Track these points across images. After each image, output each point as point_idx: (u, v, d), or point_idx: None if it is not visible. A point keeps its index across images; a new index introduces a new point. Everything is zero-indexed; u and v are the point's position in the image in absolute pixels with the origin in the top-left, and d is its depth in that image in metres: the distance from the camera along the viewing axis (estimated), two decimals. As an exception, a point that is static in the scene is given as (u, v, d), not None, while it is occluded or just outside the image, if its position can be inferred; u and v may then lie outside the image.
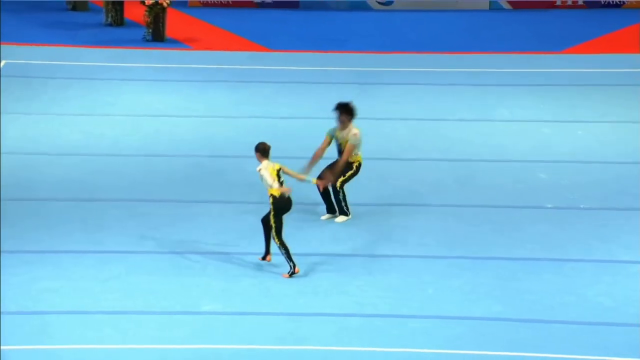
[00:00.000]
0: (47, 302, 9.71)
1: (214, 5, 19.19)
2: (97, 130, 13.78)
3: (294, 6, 19.15)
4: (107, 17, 17.99)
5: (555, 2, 19.04)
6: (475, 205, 11.74)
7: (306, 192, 12.03)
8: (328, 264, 10.46)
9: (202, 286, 10.04)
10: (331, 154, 11.42)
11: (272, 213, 10.10)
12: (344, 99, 14.90)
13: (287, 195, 10.06)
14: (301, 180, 10.48)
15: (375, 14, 18.90)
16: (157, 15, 17.27)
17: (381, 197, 11.96)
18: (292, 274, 10.14)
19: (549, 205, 11.76)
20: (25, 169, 12.57)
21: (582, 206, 11.73)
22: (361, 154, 11.36)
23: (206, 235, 11.04)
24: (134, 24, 17.92)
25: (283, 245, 10.10)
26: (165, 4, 17.22)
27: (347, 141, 11.27)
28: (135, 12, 17.86)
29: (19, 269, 10.26)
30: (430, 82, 15.42)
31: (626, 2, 19.02)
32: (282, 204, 10.09)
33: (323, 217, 11.46)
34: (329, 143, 11.38)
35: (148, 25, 17.34)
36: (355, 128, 11.32)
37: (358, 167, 11.33)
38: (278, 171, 10.17)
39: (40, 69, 15.96)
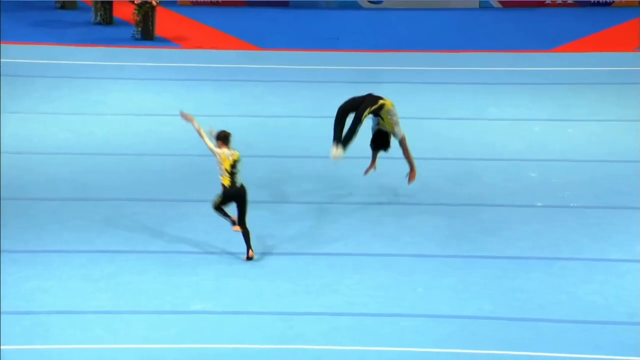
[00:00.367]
0: (37, 302, 9.70)
1: (203, 3, 19.18)
2: (86, 129, 13.76)
3: (284, 5, 19.15)
4: (96, 15, 17.97)
5: (545, 0, 19.08)
6: (467, 204, 11.76)
7: (305, 193, 12.05)
8: (318, 262, 10.47)
9: (192, 285, 10.04)
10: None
11: (219, 197, 10.40)
12: (335, 97, 14.96)
13: (238, 186, 10.35)
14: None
15: (366, 13, 18.92)
16: (146, 14, 17.26)
17: (372, 195, 11.98)
18: (232, 223, 10.44)
19: (540, 204, 11.79)
20: (14, 168, 12.54)
21: (573, 205, 11.77)
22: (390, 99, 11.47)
23: (197, 234, 11.04)
24: (123, 23, 17.90)
25: (221, 213, 10.46)
26: (154, 3, 17.20)
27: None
28: (124, 10, 17.84)
29: (9, 269, 10.24)
30: (420, 81, 15.44)
31: (616, 1, 19.08)
32: (230, 193, 10.39)
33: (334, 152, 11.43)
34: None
35: (137, 24, 17.32)
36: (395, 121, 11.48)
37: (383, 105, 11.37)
38: (234, 162, 10.35)
39: (29, 68, 15.93)
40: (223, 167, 10.36)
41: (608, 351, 9.04)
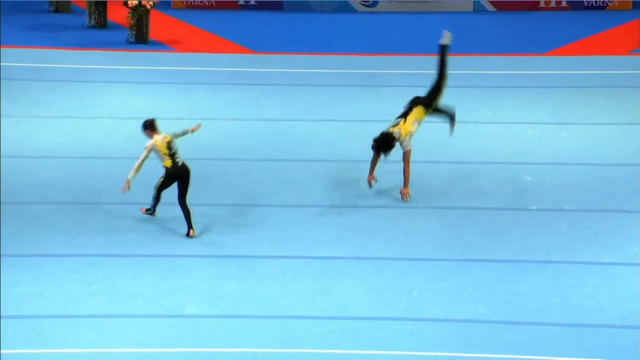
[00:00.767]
0: (30, 306, 9.68)
1: (197, 7, 19.17)
2: (80, 132, 13.74)
3: (278, 8, 19.16)
4: (90, 19, 17.95)
5: (539, 3, 19.11)
6: (461, 207, 11.77)
7: (300, 196, 12.05)
8: (313, 266, 10.47)
9: (186, 289, 10.03)
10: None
11: (163, 177, 10.92)
12: (329, 101, 14.98)
13: (180, 165, 10.92)
14: (194, 130, 11.26)
15: (360, 16, 18.93)
16: (140, 17, 17.25)
17: (366, 198, 11.98)
18: (149, 212, 11.07)
19: (534, 207, 11.80)
20: (7, 172, 12.52)
21: (566, 208, 11.78)
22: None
23: (190, 238, 11.02)
24: (117, 26, 17.88)
25: (157, 196, 11.02)
26: (148, 6, 17.19)
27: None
28: (118, 14, 17.83)
29: (2, 273, 10.22)
30: (414, 84, 15.42)
31: (610, 4, 19.12)
32: (174, 173, 10.92)
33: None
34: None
35: (131, 28, 17.31)
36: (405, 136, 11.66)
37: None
38: (169, 143, 10.90)
39: (22, 72, 15.90)
40: (162, 153, 10.87)
41: (602, 354, 9.05)
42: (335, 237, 11.05)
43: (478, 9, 19.15)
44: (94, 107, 14.58)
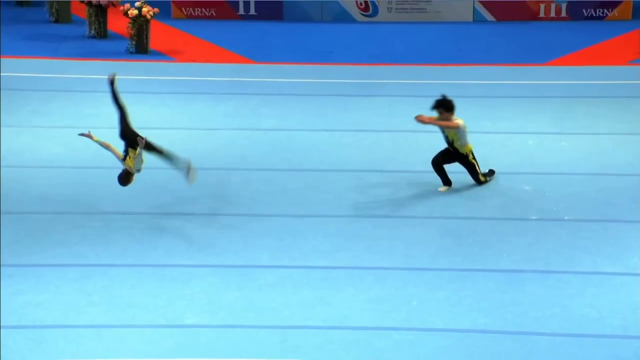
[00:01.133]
0: (30, 316, 9.69)
1: (197, 17, 19.22)
2: (79, 142, 13.74)
3: (278, 18, 19.20)
4: (90, 29, 17.99)
5: (539, 13, 19.15)
6: (460, 217, 11.78)
7: (299, 205, 12.06)
8: (312, 276, 10.48)
9: (186, 299, 10.04)
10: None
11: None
12: (329, 110, 15.00)
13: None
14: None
15: (360, 26, 18.98)
16: (140, 28, 17.29)
17: (366, 208, 12.00)
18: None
19: (534, 217, 11.81)
20: (7, 181, 12.54)
21: (566, 218, 11.79)
22: (470, 144, 12.23)
23: (190, 247, 11.04)
24: (118, 36, 17.93)
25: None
26: (148, 16, 17.23)
27: (453, 133, 12.12)
28: (118, 24, 17.87)
29: (1, 283, 10.22)
30: (414, 94, 15.47)
31: (609, 14, 19.17)
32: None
33: (440, 189, 12.30)
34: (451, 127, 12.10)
35: (131, 38, 17.35)
36: (457, 119, 12.09)
37: (473, 155, 12.30)
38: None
39: (23, 82, 15.93)
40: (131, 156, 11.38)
41: (602, 364, 9.06)
42: (335, 247, 11.07)
43: (478, 18, 19.19)
44: (94, 117, 14.60)
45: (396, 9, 19.16)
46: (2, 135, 13.89)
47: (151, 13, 17.22)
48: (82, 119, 14.58)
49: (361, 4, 19.16)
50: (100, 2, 17.71)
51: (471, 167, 12.37)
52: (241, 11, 19.21)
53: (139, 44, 17.33)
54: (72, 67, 16.67)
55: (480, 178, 12.44)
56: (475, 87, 15.89)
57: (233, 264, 10.71)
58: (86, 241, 11.11)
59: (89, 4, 17.76)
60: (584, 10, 19.14)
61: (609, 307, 9.93)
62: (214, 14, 19.20)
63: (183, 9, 19.17)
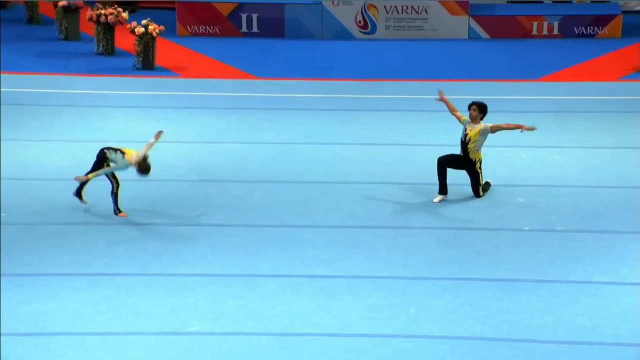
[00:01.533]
0: (38, 324, 9.64)
1: (201, 34, 19.22)
2: (86, 155, 13.69)
3: (280, 35, 19.20)
4: (98, 46, 17.99)
5: (531, 31, 19.15)
6: (456, 228, 11.74)
7: (300, 216, 12.03)
8: (313, 285, 10.43)
9: (190, 307, 9.99)
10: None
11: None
12: (328, 124, 14.98)
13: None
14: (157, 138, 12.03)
15: (359, 43, 18.97)
16: (146, 45, 17.28)
17: (365, 219, 11.96)
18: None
19: (527, 228, 11.77)
20: (15, 194, 12.51)
21: (559, 229, 11.75)
22: (482, 154, 12.33)
23: (194, 257, 11.00)
24: (125, 53, 17.92)
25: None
26: (154, 34, 17.23)
27: (475, 134, 12.21)
28: (125, 41, 17.87)
29: (10, 292, 10.19)
30: (411, 109, 15.45)
31: (599, 32, 19.18)
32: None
33: (435, 200, 12.25)
34: (459, 119, 12.42)
35: (138, 54, 17.34)
36: (487, 123, 12.29)
37: (480, 164, 12.33)
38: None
39: (33, 97, 15.91)
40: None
41: (594, 371, 9.01)
42: (335, 257, 11.02)
43: (473, 36, 19.19)
44: (101, 131, 14.58)
45: (394, 26, 19.16)
46: (12, 149, 13.86)
47: (157, 31, 17.22)
48: (90, 132, 14.55)
49: (360, 21, 19.17)
50: (108, 20, 17.72)
51: (475, 177, 12.33)
52: (244, 29, 19.21)
53: (145, 61, 17.33)
54: (81, 82, 16.66)
55: (479, 191, 12.40)
56: (469, 102, 15.84)
57: (235, 273, 10.67)
58: (93, 251, 11.07)
59: (97, 22, 17.76)
60: (575, 28, 19.14)
61: (601, 316, 9.88)
62: (218, 32, 19.21)
63: (188, 26, 19.18)
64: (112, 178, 11.86)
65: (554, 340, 9.48)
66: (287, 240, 11.37)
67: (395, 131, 14.71)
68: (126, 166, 11.74)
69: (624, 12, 19.50)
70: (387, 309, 9.97)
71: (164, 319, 9.78)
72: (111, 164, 11.75)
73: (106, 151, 11.83)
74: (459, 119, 12.45)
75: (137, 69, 17.35)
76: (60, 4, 18.43)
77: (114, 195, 11.83)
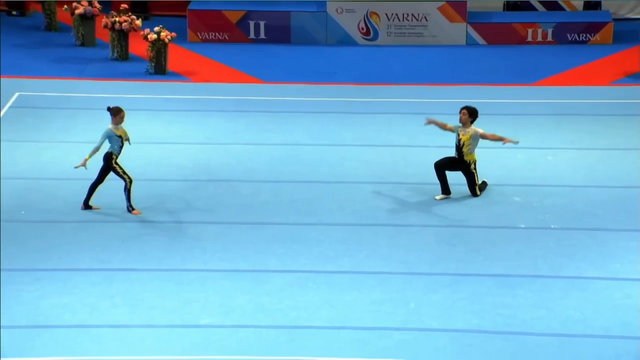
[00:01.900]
0: (56, 317, 9.71)
1: (211, 40, 19.27)
2: (102, 156, 13.78)
3: (286, 41, 19.24)
4: (113, 52, 18.05)
5: (527, 37, 19.17)
6: (454, 226, 11.78)
7: (305, 215, 12.07)
8: (318, 280, 10.48)
9: (201, 301, 10.05)
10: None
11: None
12: (332, 126, 15.02)
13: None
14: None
15: (361, 49, 19.00)
16: (159, 50, 17.34)
17: (367, 217, 12.00)
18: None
19: (522, 226, 11.81)
20: (35, 192, 12.57)
21: (552, 227, 11.79)
22: (476, 155, 12.32)
23: (205, 253, 11.06)
24: (138, 58, 17.97)
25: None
26: (166, 40, 17.29)
27: (467, 138, 12.21)
28: (139, 47, 17.92)
29: (30, 286, 10.25)
30: (411, 112, 15.47)
31: (592, 39, 19.20)
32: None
33: (437, 197, 12.29)
34: (451, 130, 12.43)
35: (151, 60, 17.39)
36: (477, 128, 12.26)
37: (475, 165, 12.32)
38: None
39: (51, 101, 15.97)
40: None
41: (586, 362, 9.05)
42: (339, 253, 11.07)
43: (470, 42, 19.22)
44: (116, 133, 14.59)
45: (395, 33, 19.19)
46: (32, 150, 13.93)
47: (169, 37, 17.27)
48: (105, 134, 14.59)
49: (363, 28, 19.21)
50: (123, 28, 17.78)
51: (471, 177, 12.37)
52: (252, 35, 19.25)
53: (158, 66, 17.38)
54: (96, 86, 16.71)
55: (476, 190, 12.45)
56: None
57: (244, 268, 10.72)
58: (109, 247, 11.12)
59: (112, 29, 17.82)
60: (568, 35, 19.16)
61: (592, 310, 9.93)
62: (227, 38, 19.25)
63: (198, 33, 19.23)
64: (124, 174, 11.88)
65: (547, 333, 9.52)
66: (293, 237, 11.42)
67: (396, 133, 14.74)
68: (110, 132, 11.84)
69: (614, 19, 19.51)
70: (389, 303, 10.01)
71: (177, 312, 9.83)
72: (99, 139, 11.85)
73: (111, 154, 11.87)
74: (450, 130, 12.43)
75: (150, 73, 17.40)
76: (77, 12, 18.49)
77: (127, 191, 11.86)
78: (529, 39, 19.17)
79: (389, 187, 12.83)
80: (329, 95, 16.47)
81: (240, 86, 16.96)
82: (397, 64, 18.18)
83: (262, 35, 19.21)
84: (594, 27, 19.13)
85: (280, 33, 19.17)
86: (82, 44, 18.72)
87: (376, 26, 19.20)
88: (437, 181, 12.45)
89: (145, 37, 17.28)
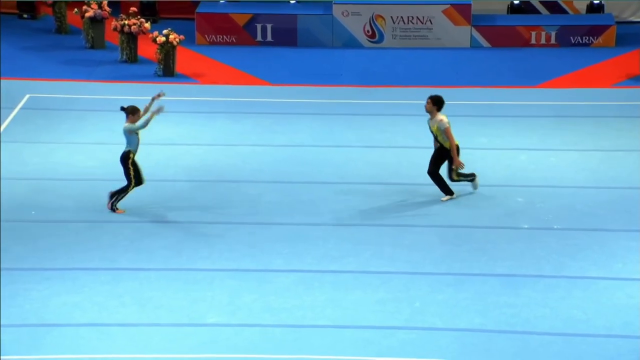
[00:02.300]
0: (66, 316, 9.71)
1: (219, 43, 19.27)
2: (111, 157, 13.77)
3: (292, 44, 19.23)
4: (122, 54, 18.06)
5: (530, 40, 19.13)
6: (458, 226, 11.76)
7: (310, 215, 12.06)
8: (323, 279, 10.47)
9: (208, 300, 10.05)
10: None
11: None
12: (337, 128, 15.01)
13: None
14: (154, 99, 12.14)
15: (367, 51, 18.99)
16: (167, 53, 17.35)
17: (372, 217, 11.99)
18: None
19: (525, 226, 11.79)
20: (45, 193, 12.58)
21: (555, 227, 11.76)
22: (457, 141, 12.08)
23: (211, 253, 11.05)
24: (147, 61, 17.97)
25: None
26: (175, 43, 17.29)
27: (436, 129, 12.03)
28: (147, 50, 17.93)
29: (40, 285, 10.26)
30: (415, 113, 15.45)
31: (594, 41, 19.16)
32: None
33: (443, 199, 12.22)
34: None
35: (159, 62, 17.40)
36: (441, 115, 12.03)
37: (458, 150, 12.08)
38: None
39: (61, 102, 15.98)
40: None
41: (588, 361, 9.02)
42: (344, 253, 11.05)
43: (474, 44, 19.19)
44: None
45: (400, 35, 19.17)
46: (42, 151, 13.94)
47: (177, 40, 17.28)
48: (114, 135, 14.59)
49: (368, 31, 19.19)
50: (132, 30, 17.79)
51: (451, 161, 12.11)
52: (259, 38, 19.25)
53: (166, 68, 17.39)
54: (105, 88, 16.72)
55: (453, 175, 12.28)
56: (472, 107, 15.87)
57: (251, 268, 10.71)
58: (117, 247, 11.12)
59: (122, 31, 17.83)
60: (571, 38, 19.11)
61: (594, 309, 9.90)
62: (234, 41, 19.25)
63: (206, 36, 19.23)
64: (132, 177, 11.81)
65: (550, 332, 9.50)
66: (298, 237, 11.41)
67: (401, 135, 14.73)
68: (129, 128, 11.84)
69: (617, 22, 19.45)
70: (393, 303, 10.00)
71: (184, 311, 9.83)
72: (136, 125, 11.83)
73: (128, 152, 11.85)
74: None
75: (159, 75, 17.40)
76: (87, 14, 18.51)
77: (123, 192, 11.81)
78: (533, 41, 19.13)
79: (393, 188, 12.81)
80: (334, 97, 16.45)
81: (247, 88, 16.96)
82: (402, 66, 18.16)
83: (269, 38, 19.20)
84: (597, 30, 19.09)
85: (286, 36, 19.16)
86: (92, 47, 18.73)
87: (381, 29, 19.18)
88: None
89: (154, 40, 17.29)
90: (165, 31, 17.34)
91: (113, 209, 11.83)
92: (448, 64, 18.34)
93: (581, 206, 12.29)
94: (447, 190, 12.32)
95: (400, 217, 12.01)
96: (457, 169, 12.21)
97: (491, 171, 13.18)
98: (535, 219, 11.93)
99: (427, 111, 12.21)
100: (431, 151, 12.54)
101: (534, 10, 20.09)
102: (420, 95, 16.52)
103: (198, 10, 19.38)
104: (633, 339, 9.37)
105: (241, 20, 19.23)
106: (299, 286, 10.30)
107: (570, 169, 13.49)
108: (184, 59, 17.89)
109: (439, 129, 12.07)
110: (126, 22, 17.78)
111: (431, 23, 19.05)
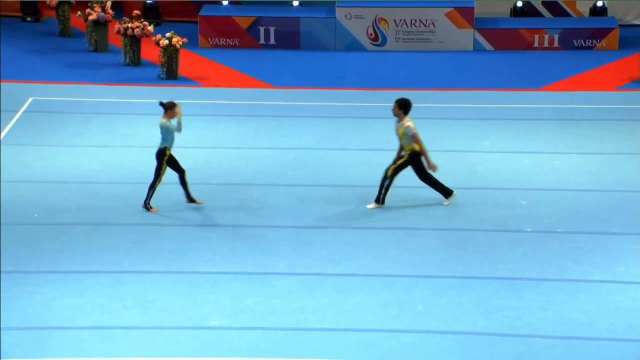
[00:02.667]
0: (69, 318, 9.72)
1: (222, 46, 19.30)
2: (114, 160, 13.82)
3: (295, 47, 19.25)
4: (125, 57, 18.09)
5: (533, 43, 19.14)
6: (461, 229, 11.76)
7: (314, 217, 12.06)
8: (325, 283, 10.47)
9: (211, 303, 10.05)
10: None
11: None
12: (340, 131, 15.01)
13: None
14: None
15: (370, 54, 19.00)
16: (170, 56, 17.37)
17: (375, 220, 11.99)
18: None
19: (528, 229, 11.78)
20: (48, 196, 12.60)
21: (558, 230, 11.75)
22: (416, 146, 11.98)
23: (215, 256, 11.06)
24: (150, 64, 18.00)
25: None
26: (178, 46, 17.32)
27: (401, 133, 12.00)
28: (151, 52, 17.96)
29: (43, 288, 10.27)
30: (418, 116, 15.45)
31: (598, 45, 19.15)
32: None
33: (445, 203, 12.13)
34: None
35: (162, 65, 17.43)
36: (408, 121, 11.94)
37: (411, 156, 11.96)
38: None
39: (64, 105, 16.01)
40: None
41: (591, 365, 9.02)
42: (346, 256, 11.06)
43: (477, 48, 19.20)
44: (128, 137, 14.66)
45: (403, 38, 19.19)
46: (46, 154, 13.96)
47: (180, 43, 17.30)
48: (118, 138, 14.64)
49: (371, 34, 19.20)
50: (135, 33, 17.81)
51: (403, 163, 12.02)
52: (262, 41, 19.27)
53: (169, 71, 17.41)
54: (109, 91, 16.75)
55: (389, 172, 12.05)
56: (475, 110, 15.88)
57: (253, 271, 10.72)
58: (120, 250, 11.13)
59: (125, 34, 17.86)
60: (574, 41, 19.12)
61: (597, 312, 9.89)
62: (238, 44, 19.27)
63: (209, 39, 19.25)
64: (161, 174, 11.89)
65: (553, 336, 9.49)
66: (301, 240, 11.41)
67: (404, 138, 14.70)
68: (166, 125, 12.04)
69: (620, 25, 19.46)
70: (396, 306, 9.99)
71: (187, 314, 9.83)
72: (170, 126, 11.99)
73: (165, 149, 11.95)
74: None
75: (162, 78, 17.43)
76: (90, 18, 18.54)
77: (152, 189, 11.87)
78: (536, 44, 19.13)
79: (395, 190, 12.80)
80: (337, 100, 16.46)
81: (250, 91, 16.98)
82: (405, 69, 18.17)
83: (272, 41, 19.23)
84: (600, 33, 19.09)
85: (289, 39, 19.19)
86: (95, 50, 18.77)
87: (384, 32, 19.19)
88: (446, 185, 12.41)
89: (157, 43, 17.31)
90: (168, 34, 17.36)
91: (147, 207, 11.86)
92: (451, 67, 18.35)
93: (584, 209, 12.28)
94: (446, 190, 12.27)
95: (402, 220, 12.01)
96: (393, 167, 12.11)
97: (494, 174, 13.17)
98: (538, 222, 11.92)
99: (394, 115, 12.16)
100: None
101: (537, 14, 20.10)
102: (423, 98, 16.55)
103: (201, 13, 19.41)
104: (636, 342, 9.36)
105: (244, 23, 19.25)
106: (301, 289, 10.30)
107: (573, 172, 13.48)
108: (187, 61, 17.91)
109: (405, 133, 12.02)
110: (129, 25, 17.81)
111: (434, 26, 19.06)
